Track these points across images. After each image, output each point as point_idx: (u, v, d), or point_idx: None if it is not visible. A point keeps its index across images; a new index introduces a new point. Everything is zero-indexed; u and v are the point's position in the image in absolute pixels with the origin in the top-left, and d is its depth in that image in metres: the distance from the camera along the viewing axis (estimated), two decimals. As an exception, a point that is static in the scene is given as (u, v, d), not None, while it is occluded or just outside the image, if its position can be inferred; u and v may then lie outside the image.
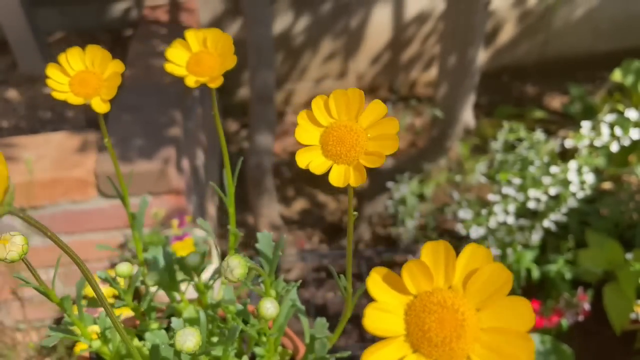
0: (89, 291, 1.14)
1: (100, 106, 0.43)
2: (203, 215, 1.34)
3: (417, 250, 1.35)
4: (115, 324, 0.37)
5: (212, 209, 1.47)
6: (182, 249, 1.11)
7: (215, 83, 0.43)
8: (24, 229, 1.14)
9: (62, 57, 0.43)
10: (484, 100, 1.89)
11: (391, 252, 1.39)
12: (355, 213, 0.39)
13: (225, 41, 0.44)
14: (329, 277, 1.35)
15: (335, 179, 0.34)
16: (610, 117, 1.02)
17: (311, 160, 0.35)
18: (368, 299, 0.27)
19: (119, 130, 1.16)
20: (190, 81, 0.43)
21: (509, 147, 1.40)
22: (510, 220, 1.13)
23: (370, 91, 1.94)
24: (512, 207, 1.14)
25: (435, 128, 1.44)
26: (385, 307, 0.26)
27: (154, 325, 0.54)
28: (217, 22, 1.71)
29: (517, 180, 1.15)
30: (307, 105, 1.92)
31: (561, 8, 1.84)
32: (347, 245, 0.41)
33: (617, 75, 1.67)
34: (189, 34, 0.44)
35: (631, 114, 0.99)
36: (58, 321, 1.26)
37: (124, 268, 0.52)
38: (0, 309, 1.23)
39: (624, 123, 1.01)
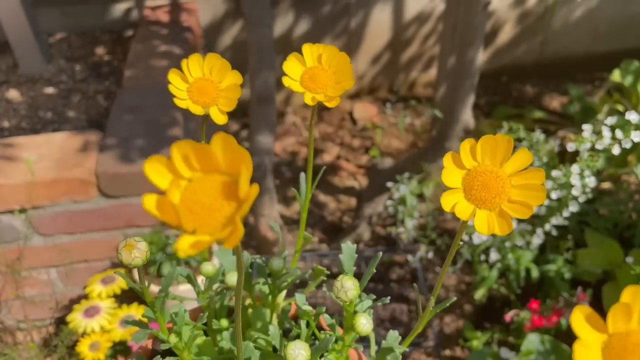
0: (89, 289, 1.14)
1: (219, 117, 0.42)
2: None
3: (417, 250, 1.36)
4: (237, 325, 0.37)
5: (212, 209, 1.48)
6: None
7: (332, 103, 0.42)
8: (24, 229, 1.14)
9: (183, 63, 0.42)
10: (483, 100, 1.89)
11: (391, 252, 1.39)
12: (461, 243, 0.40)
13: (341, 59, 0.43)
14: (329, 277, 1.35)
15: (480, 226, 0.35)
16: (611, 120, 1.02)
17: (455, 202, 0.35)
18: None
19: (120, 130, 1.17)
20: (308, 98, 0.42)
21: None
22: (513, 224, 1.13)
23: (370, 91, 1.95)
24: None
25: (434, 128, 1.44)
26: (587, 345, 0.28)
27: (224, 323, 0.54)
28: (218, 23, 1.71)
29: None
30: (307, 105, 1.91)
31: (560, 9, 1.85)
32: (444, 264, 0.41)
33: (616, 76, 1.68)
34: (305, 48, 0.43)
35: (632, 116, 0.99)
36: (59, 320, 1.26)
37: (209, 268, 0.53)
38: (1, 308, 1.24)
39: (625, 126, 1.01)
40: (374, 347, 0.51)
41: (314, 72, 0.43)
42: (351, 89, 1.93)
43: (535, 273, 1.22)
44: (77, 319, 1.10)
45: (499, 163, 0.35)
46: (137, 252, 0.39)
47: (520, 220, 1.20)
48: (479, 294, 1.26)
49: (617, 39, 1.92)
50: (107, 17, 1.63)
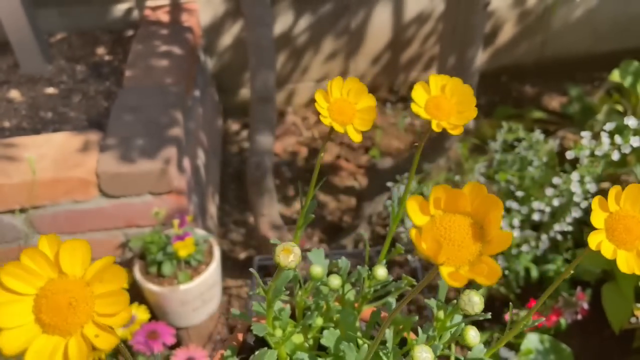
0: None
1: (355, 135, 0.47)
2: (204, 215, 1.35)
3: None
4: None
5: (212, 208, 1.48)
6: (183, 249, 1.12)
7: (456, 131, 0.45)
8: (25, 228, 1.14)
9: (328, 84, 0.47)
10: (483, 100, 1.89)
11: (391, 251, 1.39)
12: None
13: (464, 90, 0.46)
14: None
15: (623, 266, 0.38)
16: (609, 125, 1.02)
17: (599, 242, 0.39)
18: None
19: (120, 130, 1.17)
20: (434, 125, 0.45)
21: (508, 147, 1.40)
22: (516, 233, 1.14)
23: (371, 91, 1.95)
24: (516, 221, 1.15)
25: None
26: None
27: (319, 321, 0.58)
28: (218, 23, 1.71)
29: (519, 193, 1.16)
30: (308, 105, 1.92)
31: (560, 9, 1.85)
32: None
33: (615, 76, 1.68)
34: (431, 79, 0.47)
35: (631, 121, 0.99)
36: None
37: (318, 270, 0.56)
38: None
39: (624, 131, 1.01)
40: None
41: (438, 101, 0.46)
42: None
43: (534, 273, 1.22)
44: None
45: (638, 210, 0.39)
46: (293, 256, 0.43)
47: (523, 228, 1.20)
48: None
49: (617, 39, 1.92)
50: (107, 17, 1.63)
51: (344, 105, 0.46)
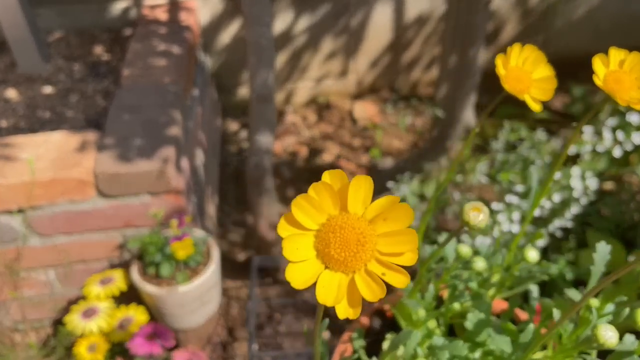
0: (87, 290, 1.14)
1: (533, 105, 0.45)
2: (202, 215, 1.34)
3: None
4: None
5: (211, 208, 1.47)
6: (181, 250, 1.11)
7: (638, 106, 0.43)
8: (22, 229, 1.13)
9: (508, 49, 0.46)
10: (485, 100, 1.88)
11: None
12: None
13: None
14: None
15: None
16: (612, 122, 1.01)
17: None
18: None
19: (118, 130, 1.16)
20: (619, 99, 0.43)
21: (510, 147, 1.39)
22: (516, 228, 1.13)
23: (371, 91, 1.94)
24: (516, 216, 1.13)
25: (436, 128, 1.43)
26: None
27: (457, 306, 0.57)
28: (217, 21, 1.70)
29: (519, 188, 1.15)
30: (307, 105, 1.92)
31: (562, 7, 1.84)
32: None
33: (618, 75, 1.66)
34: (611, 51, 0.46)
35: (633, 117, 0.98)
36: (57, 321, 1.26)
37: (465, 250, 0.55)
38: (-1, 309, 1.23)
39: (626, 127, 1.00)
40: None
41: (617, 75, 0.45)
42: (351, 89, 1.92)
43: (537, 274, 1.21)
44: (75, 320, 1.09)
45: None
46: (483, 215, 0.40)
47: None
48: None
49: (619, 38, 1.91)
50: (105, 16, 1.62)
51: (520, 74, 0.45)
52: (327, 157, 1.70)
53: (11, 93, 1.37)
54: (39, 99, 1.35)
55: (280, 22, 1.72)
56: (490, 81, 1.93)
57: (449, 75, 1.33)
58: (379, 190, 1.43)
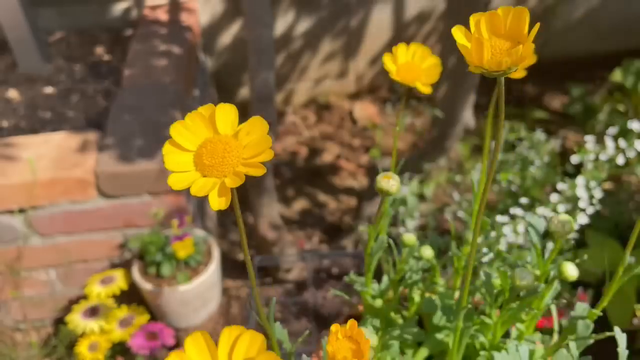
0: (88, 290, 1.14)
1: (423, 89, 0.52)
2: (203, 215, 1.34)
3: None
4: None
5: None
6: (182, 249, 1.11)
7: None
8: (23, 229, 1.14)
9: (394, 49, 0.52)
10: (484, 100, 1.89)
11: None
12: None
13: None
14: (329, 277, 1.35)
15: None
16: (613, 130, 1.02)
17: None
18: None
19: (119, 130, 1.16)
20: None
21: (510, 147, 1.40)
22: (521, 240, 1.13)
23: (371, 91, 1.94)
24: (521, 228, 1.14)
25: (435, 128, 1.44)
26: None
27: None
28: (217, 22, 1.71)
29: (524, 200, 1.15)
30: (307, 105, 1.92)
31: (561, 8, 1.84)
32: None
33: (617, 76, 1.67)
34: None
35: (634, 125, 0.99)
36: (58, 321, 1.26)
37: (410, 237, 0.60)
38: (0, 308, 1.23)
39: (628, 134, 1.00)
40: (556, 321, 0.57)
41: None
42: (351, 89, 1.92)
43: (535, 273, 1.22)
44: (76, 320, 1.10)
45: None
46: (394, 181, 0.46)
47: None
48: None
49: (618, 39, 1.91)
50: (106, 16, 1.62)
51: (411, 66, 0.52)
52: (327, 157, 1.71)
53: (12, 93, 1.38)
54: (39, 99, 1.35)
55: (281, 23, 1.72)
56: (489, 82, 1.94)
57: (448, 76, 1.33)
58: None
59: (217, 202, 0.32)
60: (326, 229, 1.50)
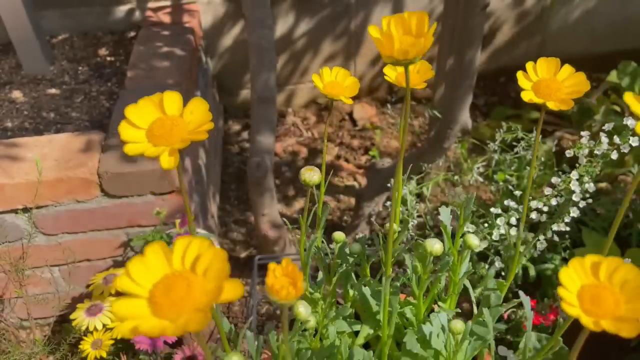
0: (92, 288, 1.16)
1: (346, 100, 0.61)
2: (205, 214, 1.36)
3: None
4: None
5: (213, 208, 1.49)
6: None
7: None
8: (28, 228, 1.15)
9: (321, 71, 0.63)
10: (481, 101, 1.91)
11: (390, 251, 1.40)
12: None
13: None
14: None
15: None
16: (608, 126, 1.03)
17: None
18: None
19: (122, 130, 1.18)
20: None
21: (507, 148, 1.41)
22: (514, 232, 1.14)
23: (370, 92, 1.96)
24: (514, 219, 1.15)
25: (433, 129, 1.46)
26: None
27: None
28: (219, 24, 1.72)
29: (517, 193, 1.17)
30: (308, 106, 1.94)
31: (558, 10, 1.86)
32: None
33: (613, 77, 1.69)
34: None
35: (630, 121, 1.00)
36: (62, 319, 1.28)
37: (341, 236, 0.70)
38: (4, 307, 1.25)
39: (623, 131, 1.02)
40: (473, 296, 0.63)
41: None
42: (351, 90, 1.94)
43: (532, 272, 1.23)
44: (80, 317, 1.11)
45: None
46: (315, 173, 0.56)
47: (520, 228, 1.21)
48: (477, 292, 1.27)
49: (615, 41, 1.93)
50: (109, 18, 1.64)
51: (335, 84, 0.59)
52: (326, 157, 1.73)
53: (16, 94, 1.39)
54: (43, 100, 1.37)
55: (281, 25, 1.74)
56: (486, 83, 1.96)
57: (446, 77, 1.35)
58: (379, 190, 1.45)
59: (167, 162, 0.38)
60: (326, 228, 1.51)
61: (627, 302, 0.30)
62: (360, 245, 0.66)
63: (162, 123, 0.39)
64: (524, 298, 0.57)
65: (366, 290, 0.63)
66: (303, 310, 0.52)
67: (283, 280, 0.40)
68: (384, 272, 0.59)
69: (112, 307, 0.31)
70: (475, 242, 0.57)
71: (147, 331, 0.28)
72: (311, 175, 0.54)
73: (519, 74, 0.50)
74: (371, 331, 0.62)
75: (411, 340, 0.56)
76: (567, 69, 0.51)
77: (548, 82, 0.49)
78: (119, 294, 0.32)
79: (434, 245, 0.56)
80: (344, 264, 0.65)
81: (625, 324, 0.29)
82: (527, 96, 0.49)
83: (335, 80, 0.60)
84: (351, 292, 0.65)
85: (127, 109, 0.40)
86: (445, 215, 0.60)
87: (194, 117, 0.40)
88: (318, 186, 0.67)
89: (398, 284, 0.61)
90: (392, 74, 0.58)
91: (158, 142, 0.39)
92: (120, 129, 0.40)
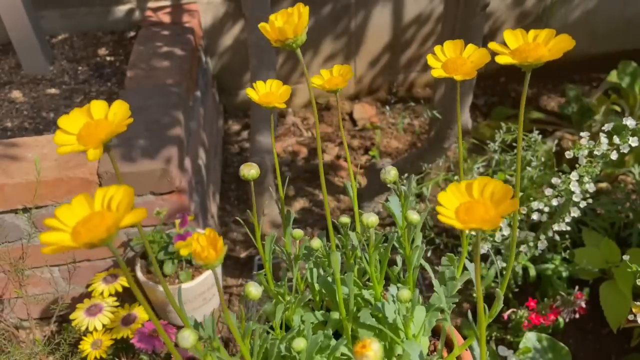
0: (92, 288, 1.16)
1: (280, 105, 0.65)
2: (205, 214, 1.36)
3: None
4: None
5: (213, 208, 1.49)
6: (184, 248, 1.13)
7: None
8: (27, 228, 1.15)
9: (255, 85, 0.67)
10: (481, 101, 1.91)
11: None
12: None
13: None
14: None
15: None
16: (608, 126, 1.03)
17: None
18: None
19: (122, 130, 1.18)
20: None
21: (507, 148, 1.41)
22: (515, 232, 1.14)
23: (370, 92, 1.96)
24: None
25: (433, 129, 1.46)
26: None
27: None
28: (219, 24, 1.72)
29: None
30: (307, 106, 1.93)
31: (558, 10, 1.86)
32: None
33: (613, 77, 1.69)
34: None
35: (629, 122, 1.00)
36: (62, 319, 1.28)
37: (299, 232, 0.76)
38: (4, 306, 1.25)
39: (622, 131, 1.02)
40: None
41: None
42: (351, 90, 1.94)
43: (532, 272, 1.23)
44: (79, 317, 1.11)
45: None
46: (254, 169, 0.60)
47: (521, 228, 1.21)
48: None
49: (615, 41, 1.93)
50: (109, 18, 1.64)
51: (270, 94, 0.67)
52: (326, 158, 1.73)
53: (16, 94, 1.39)
54: (43, 100, 1.37)
55: (281, 25, 1.74)
56: (486, 83, 1.95)
57: (447, 78, 1.34)
58: (379, 190, 1.45)
59: (93, 154, 0.43)
60: (326, 228, 1.51)
61: (495, 207, 0.38)
62: (319, 240, 0.72)
63: (88, 126, 0.45)
64: (469, 265, 0.62)
65: (327, 279, 0.68)
66: (253, 289, 0.56)
67: (204, 244, 0.44)
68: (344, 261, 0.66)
69: (40, 238, 0.37)
70: (415, 217, 0.62)
71: (66, 247, 0.36)
72: (249, 171, 0.60)
73: (429, 57, 0.56)
74: (338, 317, 0.67)
75: (364, 314, 0.62)
76: (471, 47, 0.56)
77: (455, 59, 0.55)
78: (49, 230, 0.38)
79: (369, 218, 0.62)
80: (307, 259, 0.71)
81: (487, 223, 0.37)
82: (436, 73, 0.55)
83: (270, 91, 0.68)
84: (317, 286, 0.71)
85: (60, 119, 0.46)
86: (394, 202, 0.67)
87: (117, 117, 0.45)
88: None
89: (354, 262, 0.69)
90: (318, 81, 0.63)
91: (85, 141, 0.44)
92: (55, 137, 0.46)
